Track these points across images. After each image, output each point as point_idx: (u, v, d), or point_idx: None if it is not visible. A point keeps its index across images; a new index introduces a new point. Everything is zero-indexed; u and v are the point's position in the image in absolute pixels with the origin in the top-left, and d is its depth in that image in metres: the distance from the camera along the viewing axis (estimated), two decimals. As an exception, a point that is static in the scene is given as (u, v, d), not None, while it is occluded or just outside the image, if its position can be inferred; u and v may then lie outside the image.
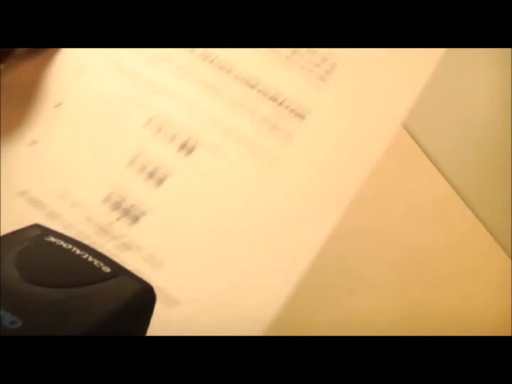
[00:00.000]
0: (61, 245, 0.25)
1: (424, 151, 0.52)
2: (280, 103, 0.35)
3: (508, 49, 0.42)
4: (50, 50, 0.40)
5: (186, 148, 0.34)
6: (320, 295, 0.41)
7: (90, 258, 0.25)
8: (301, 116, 0.35)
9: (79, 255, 0.25)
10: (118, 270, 0.25)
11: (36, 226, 0.26)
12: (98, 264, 0.25)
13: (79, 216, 0.34)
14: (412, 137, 0.53)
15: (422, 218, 0.47)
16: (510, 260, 0.44)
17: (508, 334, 0.39)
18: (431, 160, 0.51)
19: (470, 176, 0.48)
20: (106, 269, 0.24)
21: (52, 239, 0.25)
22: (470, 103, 0.48)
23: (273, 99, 0.35)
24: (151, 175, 0.34)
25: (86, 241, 0.27)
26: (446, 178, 0.50)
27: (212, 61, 0.34)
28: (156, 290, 0.27)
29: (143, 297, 0.25)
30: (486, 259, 0.45)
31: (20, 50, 0.39)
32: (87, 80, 0.38)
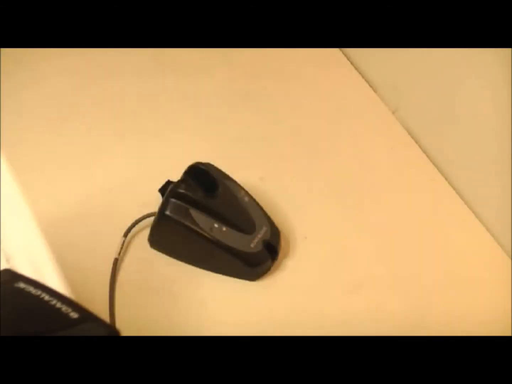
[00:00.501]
0: (30, 292, 0.25)
1: (425, 151, 0.52)
2: None
3: (508, 49, 0.42)
4: None
5: None
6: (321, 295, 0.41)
7: (58, 304, 0.25)
8: None
9: (48, 301, 0.25)
10: (85, 316, 0.25)
11: (6, 272, 0.27)
12: (66, 310, 0.25)
13: None
14: (412, 137, 0.53)
15: (422, 219, 0.47)
16: (510, 260, 0.44)
17: (508, 334, 0.39)
18: (432, 162, 0.51)
19: (470, 176, 0.48)
20: (74, 315, 0.25)
21: (22, 285, 0.26)
22: (471, 104, 0.48)
23: None
24: None
25: None
26: (446, 178, 0.50)
27: None
28: None
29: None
30: (486, 259, 0.45)
31: None
32: None
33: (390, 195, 0.48)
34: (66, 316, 0.25)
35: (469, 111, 0.47)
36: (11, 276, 0.26)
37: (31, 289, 0.25)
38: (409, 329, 0.39)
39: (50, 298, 0.25)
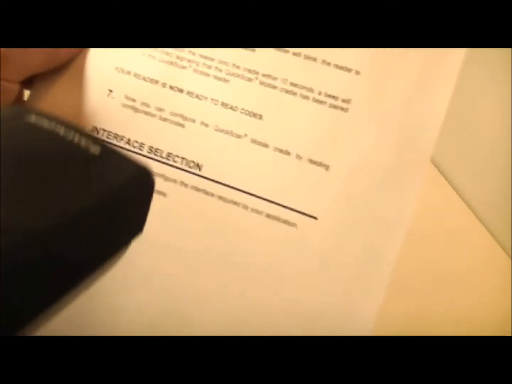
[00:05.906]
0: (42, 126, 0.22)
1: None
2: None
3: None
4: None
5: None
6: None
7: (76, 139, 0.21)
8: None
9: (64, 136, 0.21)
10: (109, 152, 0.21)
11: (15, 108, 0.23)
12: (86, 145, 0.21)
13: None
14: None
15: (421, 218, 0.47)
16: (510, 260, 0.44)
17: (508, 334, 0.39)
18: (432, 162, 0.51)
19: (470, 176, 0.48)
20: (95, 150, 0.21)
21: (33, 119, 0.22)
22: (470, 103, 0.48)
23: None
24: None
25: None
26: (447, 179, 0.50)
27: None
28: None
29: (139, 181, 0.22)
30: (486, 259, 0.45)
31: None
32: None
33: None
34: (85, 152, 0.21)
35: (469, 110, 0.47)
36: (20, 111, 0.23)
37: (45, 123, 0.22)
38: (409, 329, 0.39)
39: (67, 132, 0.22)
